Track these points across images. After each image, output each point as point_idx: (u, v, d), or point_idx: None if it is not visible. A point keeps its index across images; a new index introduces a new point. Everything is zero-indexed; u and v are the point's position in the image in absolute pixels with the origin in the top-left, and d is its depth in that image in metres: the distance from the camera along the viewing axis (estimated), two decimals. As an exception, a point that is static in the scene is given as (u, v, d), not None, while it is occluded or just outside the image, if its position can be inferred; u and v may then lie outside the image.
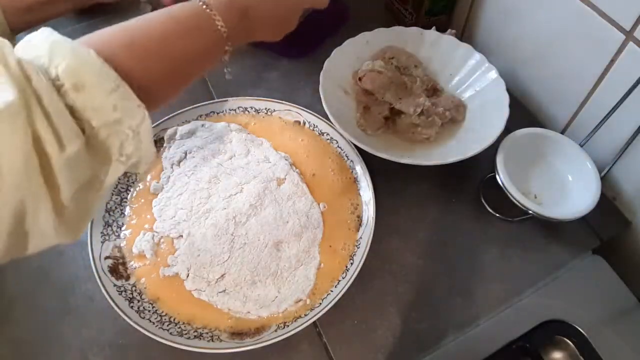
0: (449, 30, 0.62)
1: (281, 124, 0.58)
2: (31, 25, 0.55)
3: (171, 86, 0.38)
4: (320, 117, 0.56)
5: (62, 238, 0.30)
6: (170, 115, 0.57)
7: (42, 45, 0.30)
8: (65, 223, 0.30)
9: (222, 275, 0.47)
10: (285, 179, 0.54)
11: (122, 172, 0.32)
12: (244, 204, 0.51)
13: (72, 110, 0.29)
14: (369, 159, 0.52)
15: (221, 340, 0.43)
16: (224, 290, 0.47)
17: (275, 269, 0.48)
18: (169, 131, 0.56)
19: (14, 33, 0.53)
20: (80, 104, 0.29)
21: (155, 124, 0.56)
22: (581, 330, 0.46)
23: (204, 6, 0.39)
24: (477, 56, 0.59)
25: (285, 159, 0.55)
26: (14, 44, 0.46)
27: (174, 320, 0.45)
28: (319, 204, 0.52)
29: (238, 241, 0.49)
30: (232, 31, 0.40)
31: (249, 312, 0.45)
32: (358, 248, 0.48)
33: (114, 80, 0.30)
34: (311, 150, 0.56)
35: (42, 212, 0.28)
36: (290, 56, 0.68)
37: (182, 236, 0.50)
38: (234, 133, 0.57)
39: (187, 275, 0.47)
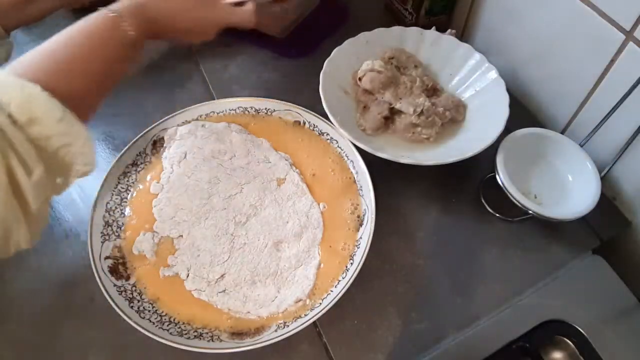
0: (449, 30, 0.62)
1: (281, 124, 0.58)
2: (22, 23, 0.56)
3: (97, 96, 0.43)
4: (320, 117, 0.56)
5: (30, 243, 0.36)
6: (171, 115, 0.57)
7: None
8: (33, 230, 0.35)
9: (222, 275, 0.47)
10: (285, 179, 0.54)
11: (73, 181, 0.39)
12: (244, 204, 0.51)
13: (29, 140, 0.34)
14: (369, 159, 0.52)
15: (221, 340, 0.43)
16: (224, 290, 0.47)
17: (275, 269, 0.48)
18: (169, 131, 0.56)
19: (7, 32, 0.54)
20: (35, 135, 0.34)
21: (155, 124, 0.56)
22: (581, 330, 0.46)
23: (113, 14, 0.43)
24: (477, 56, 0.59)
25: (285, 159, 0.55)
26: (9, 43, 0.49)
27: (174, 320, 0.45)
28: (319, 204, 0.52)
29: (238, 241, 0.49)
30: (142, 35, 0.45)
31: (248, 312, 0.45)
32: (358, 248, 0.48)
33: (59, 110, 0.35)
34: (311, 150, 0.56)
35: (20, 228, 0.34)
36: (290, 56, 0.68)
37: (182, 236, 0.50)
38: (234, 133, 0.57)
39: (187, 276, 0.47)
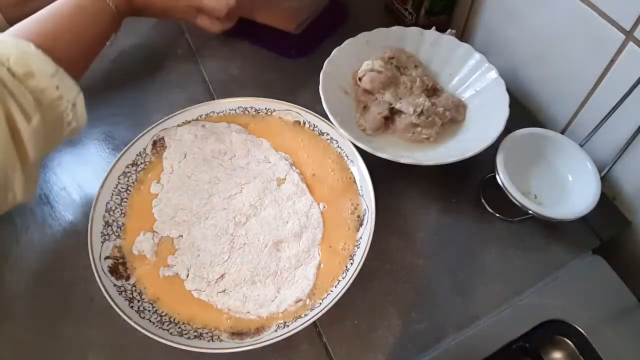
0: (449, 30, 0.62)
1: (281, 124, 0.58)
2: (24, 17, 0.56)
3: (83, 64, 0.48)
4: (320, 117, 0.56)
5: (25, 197, 0.37)
6: (171, 115, 0.57)
7: None
8: (28, 185, 0.37)
9: (221, 276, 0.47)
10: (285, 179, 0.54)
11: (65, 136, 0.42)
12: (243, 204, 0.51)
13: (28, 91, 0.36)
14: (369, 159, 0.52)
15: (221, 340, 0.43)
16: (224, 290, 0.47)
17: (275, 269, 0.48)
18: (169, 131, 0.56)
19: (10, 24, 0.55)
20: (32, 88, 0.37)
21: (155, 124, 0.56)
22: (581, 330, 0.46)
23: None
24: (477, 56, 0.59)
25: (285, 159, 0.55)
26: None
27: (174, 320, 0.45)
28: (318, 204, 0.52)
29: (238, 241, 0.49)
30: (123, 11, 0.52)
31: (248, 312, 0.45)
32: (358, 248, 0.48)
33: (52, 66, 0.39)
34: (311, 150, 0.56)
35: (17, 177, 0.36)
36: (290, 56, 0.68)
37: (182, 236, 0.50)
38: (234, 133, 0.57)
39: (187, 276, 0.47)
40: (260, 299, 0.46)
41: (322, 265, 0.48)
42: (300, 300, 0.46)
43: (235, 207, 0.51)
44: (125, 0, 0.52)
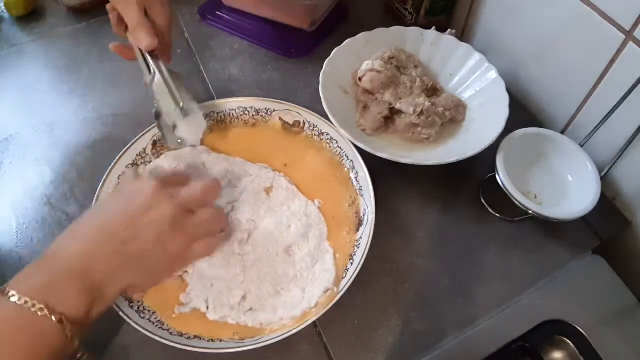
0: (449, 30, 0.62)
1: (273, 128, 0.58)
2: None
3: None
4: (320, 117, 0.56)
5: None
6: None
7: None
8: None
9: (243, 297, 0.46)
10: (272, 186, 0.53)
11: None
12: (240, 221, 0.50)
13: None
14: (369, 159, 0.52)
15: (221, 340, 0.43)
16: (251, 309, 0.45)
17: (294, 273, 0.47)
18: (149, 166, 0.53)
19: None
20: None
21: (148, 130, 0.55)
22: (581, 330, 0.46)
23: (27, 302, 0.31)
24: (477, 56, 0.59)
25: (265, 168, 0.54)
26: None
27: (174, 320, 0.45)
28: (314, 201, 0.52)
29: (248, 259, 0.48)
30: (80, 319, 0.34)
31: (282, 319, 0.44)
32: (358, 248, 0.48)
33: None
34: (311, 151, 0.56)
35: None
36: (290, 56, 0.68)
37: (187, 272, 0.47)
38: (204, 155, 0.54)
39: (207, 307, 0.45)
40: (288, 305, 0.45)
41: (337, 255, 0.48)
42: (328, 289, 0.45)
43: (232, 226, 0.49)
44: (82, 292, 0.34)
